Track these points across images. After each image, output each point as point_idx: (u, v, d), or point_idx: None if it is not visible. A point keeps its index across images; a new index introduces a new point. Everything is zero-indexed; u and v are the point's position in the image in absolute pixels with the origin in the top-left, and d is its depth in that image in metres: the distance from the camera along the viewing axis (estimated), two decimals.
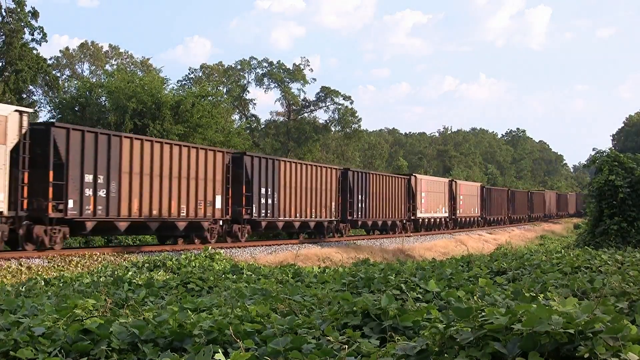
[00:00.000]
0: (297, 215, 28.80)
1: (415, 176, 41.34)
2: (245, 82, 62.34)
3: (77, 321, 4.89)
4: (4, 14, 38.29)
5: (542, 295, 5.51)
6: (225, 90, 57.49)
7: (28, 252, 17.79)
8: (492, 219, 56.35)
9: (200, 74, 59.44)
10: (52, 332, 4.48)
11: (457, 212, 47.46)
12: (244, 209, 25.58)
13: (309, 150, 58.68)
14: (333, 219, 31.61)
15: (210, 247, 17.63)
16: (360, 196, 33.26)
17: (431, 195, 42.67)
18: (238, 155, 26.16)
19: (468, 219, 50.57)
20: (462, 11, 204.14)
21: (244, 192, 25.60)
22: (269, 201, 26.82)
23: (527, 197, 69.99)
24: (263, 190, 26.43)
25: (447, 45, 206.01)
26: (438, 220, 44.60)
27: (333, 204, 31.48)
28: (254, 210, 25.79)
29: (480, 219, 53.14)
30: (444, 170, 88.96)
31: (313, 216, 29.92)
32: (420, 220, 41.39)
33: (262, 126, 63.89)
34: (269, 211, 26.84)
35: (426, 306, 4.97)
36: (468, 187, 51.27)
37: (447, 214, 45.85)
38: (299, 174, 29.00)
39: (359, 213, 33.23)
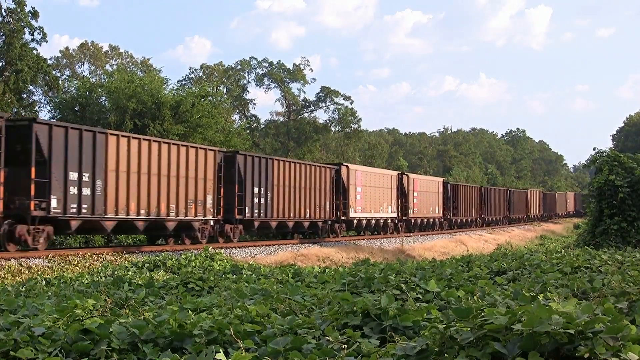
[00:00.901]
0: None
1: (347, 166, 33.60)
2: (245, 82, 62.43)
3: (77, 321, 4.89)
4: (4, 14, 38.29)
5: (542, 295, 5.51)
6: (225, 90, 57.52)
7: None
8: (458, 220, 48.46)
9: (201, 74, 59.47)
10: (52, 332, 4.48)
11: (410, 211, 39.84)
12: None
13: (309, 150, 58.68)
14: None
15: (210, 247, 17.64)
16: (258, 189, 26.24)
17: (372, 190, 35.46)
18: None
19: (425, 221, 43.39)
20: (463, 11, 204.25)
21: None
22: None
23: (505, 196, 61.12)
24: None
25: (447, 45, 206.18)
26: (382, 221, 36.94)
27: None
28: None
29: (442, 220, 45.79)
30: (444, 170, 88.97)
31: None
32: (356, 221, 33.99)
33: (262, 126, 63.91)
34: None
35: (426, 306, 4.97)
36: (425, 182, 43.80)
37: (394, 214, 38.36)
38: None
39: (255, 211, 26.03)
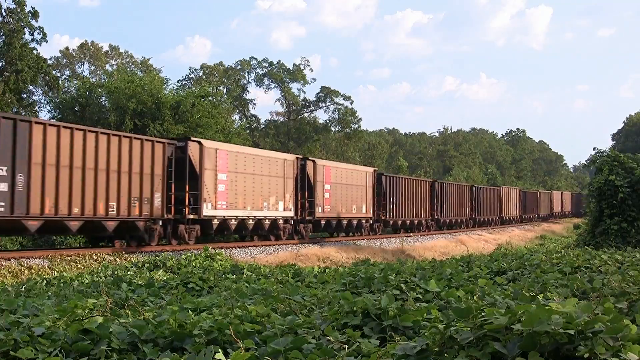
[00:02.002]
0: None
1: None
2: (245, 82, 62.45)
3: (77, 321, 4.89)
4: (4, 14, 38.29)
5: (542, 295, 5.51)
6: (225, 90, 57.54)
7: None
8: (401, 223, 39.12)
9: (201, 74, 59.47)
10: (52, 332, 4.48)
11: (318, 210, 30.07)
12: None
13: (308, 151, 58.68)
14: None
15: (210, 247, 17.65)
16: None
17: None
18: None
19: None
20: (463, 11, 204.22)
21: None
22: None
23: (470, 193, 50.20)
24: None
25: (447, 45, 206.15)
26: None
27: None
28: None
29: (373, 221, 35.73)
30: (444, 170, 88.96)
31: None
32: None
33: (262, 126, 63.94)
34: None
35: (426, 306, 4.97)
36: (344, 172, 33.13)
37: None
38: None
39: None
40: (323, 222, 30.43)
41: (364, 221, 34.43)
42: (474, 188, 51.80)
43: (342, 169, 33.19)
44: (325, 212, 30.51)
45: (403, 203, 38.94)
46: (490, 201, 54.72)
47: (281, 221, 27.56)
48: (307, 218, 29.31)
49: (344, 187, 32.37)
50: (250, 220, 25.58)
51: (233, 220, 24.65)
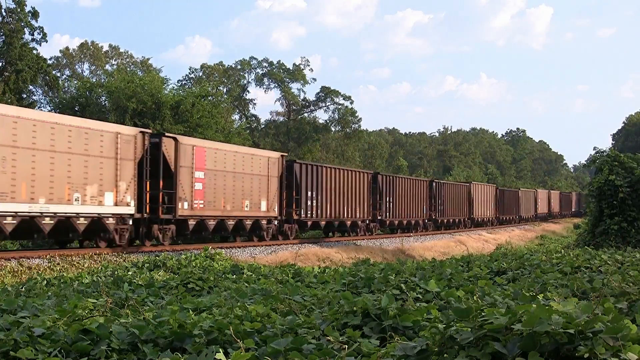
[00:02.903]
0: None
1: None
2: (245, 82, 62.44)
3: (77, 321, 4.89)
4: (4, 14, 38.30)
5: (542, 295, 5.51)
6: (225, 90, 57.54)
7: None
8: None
9: (201, 74, 59.47)
10: (52, 332, 4.48)
11: (181, 205, 22.31)
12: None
13: (308, 151, 58.71)
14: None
15: (210, 247, 17.66)
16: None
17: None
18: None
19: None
20: (463, 11, 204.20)
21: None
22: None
23: (429, 190, 42.06)
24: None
25: (448, 45, 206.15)
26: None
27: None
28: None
29: (280, 221, 27.75)
30: (444, 170, 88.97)
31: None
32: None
33: (262, 126, 63.95)
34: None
35: (426, 306, 4.97)
36: (230, 156, 25.13)
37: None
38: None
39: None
40: (192, 222, 22.76)
41: (264, 222, 26.41)
42: (433, 184, 43.15)
43: (228, 151, 24.93)
44: (196, 208, 22.71)
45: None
46: (457, 199, 46.11)
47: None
48: (164, 216, 21.82)
49: (230, 175, 24.52)
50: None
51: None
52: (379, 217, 35.79)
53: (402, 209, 38.22)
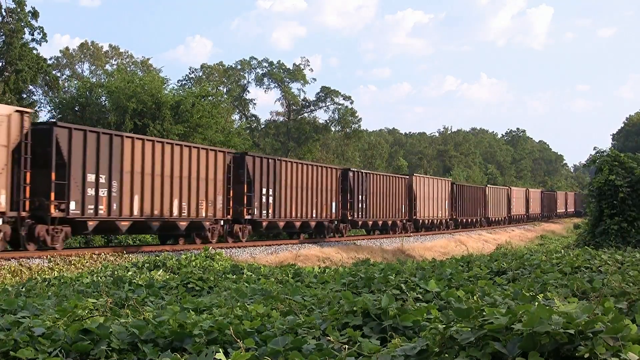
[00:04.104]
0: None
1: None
2: (245, 82, 62.46)
3: (77, 321, 4.89)
4: (4, 14, 38.30)
5: (542, 295, 5.51)
6: (225, 90, 57.53)
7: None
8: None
9: (201, 74, 59.48)
10: (52, 332, 4.48)
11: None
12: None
13: (308, 150, 58.69)
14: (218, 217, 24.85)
15: (210, 247, 17.65)
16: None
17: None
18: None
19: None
20: (464, 11, 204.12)
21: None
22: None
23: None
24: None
25: (448, 45, 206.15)
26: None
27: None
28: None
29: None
30: (444, 170, 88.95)
31: None
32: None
33: (262, 126, 63.94)
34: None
35: (426, 306, 4.97)
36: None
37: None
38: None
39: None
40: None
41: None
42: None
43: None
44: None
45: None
46: (391, 197, 37.47)
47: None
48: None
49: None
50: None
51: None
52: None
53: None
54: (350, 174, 32.10)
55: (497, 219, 56.18)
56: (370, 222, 34.63)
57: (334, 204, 31.76)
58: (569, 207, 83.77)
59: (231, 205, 25.05)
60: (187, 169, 22.84)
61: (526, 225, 60.34)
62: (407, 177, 40.57)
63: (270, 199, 26.70)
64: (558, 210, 77.93)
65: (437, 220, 43.78)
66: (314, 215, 29.92)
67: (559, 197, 79.79)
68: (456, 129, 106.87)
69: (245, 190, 25.37)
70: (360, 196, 32.91)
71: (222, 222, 24.73)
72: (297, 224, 28.90)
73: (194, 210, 23.13)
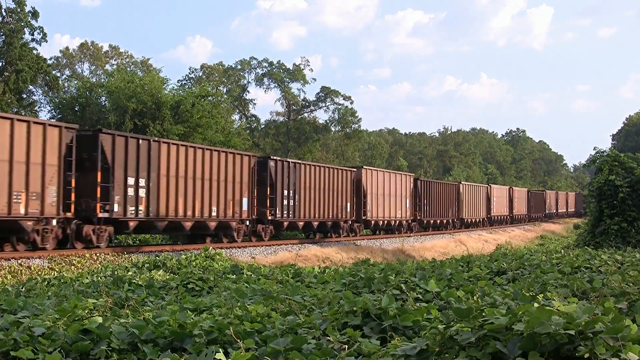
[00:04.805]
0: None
1: None
2: (245, 82, 62.46)
3: (77, 321, 4.89)
4: (4, 14, 38.30)
5: (542, 295, 5.51)
6: (225, 90, 57.54)
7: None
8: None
9: (201, 74, 59.49)
10: (52, 332, 4.48)
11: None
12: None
13: (309, 150, 58.70)
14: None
15: (210, 248, 17.67)
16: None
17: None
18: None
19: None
20: (464, 11, 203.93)
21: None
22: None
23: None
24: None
25: (448, 45, 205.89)
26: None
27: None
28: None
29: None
30: (444, 170, 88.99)
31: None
32: None
33: (262, 126, 63.94)
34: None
35: (426, 306, 4.97)
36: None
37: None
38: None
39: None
40: None
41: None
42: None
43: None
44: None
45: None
46: (333, 196, 31.56)
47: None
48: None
49: None
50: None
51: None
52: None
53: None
54: (271, 163, 26.88)
55: (473, 220, 50.12)
56: (301, 223, 28.90)
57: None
58: (560, 208, 78.23)
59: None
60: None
61: (526, 226, 60.15)
62: (355, 169, 34.10)
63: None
64: (547, 211, 72.19)
65: (394, 222, 37.21)
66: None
67: (548, 196, 73.55)
68: (456, 129, 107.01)
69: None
70: (285, 191, 27.48)
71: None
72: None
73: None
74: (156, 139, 22.50)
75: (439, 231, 42.72)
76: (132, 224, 20.68)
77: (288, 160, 28.56)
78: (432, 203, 42.19)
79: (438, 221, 43.80)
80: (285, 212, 27.24)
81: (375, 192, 34.76)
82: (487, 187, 54.85)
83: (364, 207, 33.62)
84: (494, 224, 54.25)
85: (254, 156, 26.59)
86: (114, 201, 19.76)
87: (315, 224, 29.71)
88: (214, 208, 23.72)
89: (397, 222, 37.67)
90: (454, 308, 4.05)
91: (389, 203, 36.12)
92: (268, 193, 26.48)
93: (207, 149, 24.09)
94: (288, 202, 27.42)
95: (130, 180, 20.35)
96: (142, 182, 20.76)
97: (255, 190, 26.14)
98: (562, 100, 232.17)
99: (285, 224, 27.81)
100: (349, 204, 32.01)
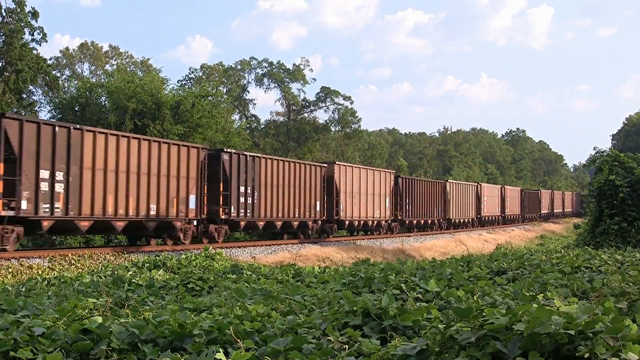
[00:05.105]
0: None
1: None
2: (245, 82, 62.47)
3: (77, 321, 4.89)
4: (4, 14, 38.30)
5: (542, 295, 5.51)
6: (225, 90, 57.55)
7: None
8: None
9: (201, 74, 59.51)
10: (52, 332, 4.48)
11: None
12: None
13: (308, 150, 58.71)
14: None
15: (210, 247, 17.67)
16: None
17: None
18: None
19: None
20: (464, 11, 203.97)
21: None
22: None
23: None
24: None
25: (448, 45, 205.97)
26: None
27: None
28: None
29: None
30: (444, 170, 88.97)
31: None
32: None
33: (262, 126, 63.95)
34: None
35: (426, 306, 4.97)
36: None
37: None
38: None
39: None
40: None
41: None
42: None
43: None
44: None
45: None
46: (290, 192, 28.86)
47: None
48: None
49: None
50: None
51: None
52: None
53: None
54: (225, 156, 24.19)
55: (461, 220, 47.69)
56: (262, 223, 26.35)
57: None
58: (556, 208, 75.82)
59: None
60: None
61: (526, 226, 60.12)
62: (326, 165, 31.23)
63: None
64: (543, 212, 69.71)
65: (372, 222, 34.93)
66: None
67: (543, 196, 70.74)
68: (456, 129, 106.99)
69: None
70: (242, 187, 24.90)
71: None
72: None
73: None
74: (78, 126, 19.36)
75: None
76: (46, 223, 17.76)
77: (245, 153, 25.64)
78: (415, 202, 39.80)
79: (422, 221, 41.28)
80: (242, 210, 24.58)
81: (350, 189, 32.37)
82: (476, 185, 52.24)
83: (337, 206, 31.07)
84: (485, 225, 51.84)
85: (204, 149, 23.83)
86: (22, 197, 16.93)
87: (279, 224, 26.99)
88: (153, 206, 21.10)
89: (375, 222, 35.25)
90: (454, 308, 4.05)
91: (366, 202, 33.78)
92: (221, 190, 23.69)
93: (144, 139, 21.18)
94: (246, 200, 24.77)
95: (44, 174, 17.56)
96: (59, 175, 17.94)
97: (205, 187, 23.37)
98: (562, 100, 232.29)
99: (243, 223, 25.15)
100: (318, 203, 29.35)
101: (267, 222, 26.41)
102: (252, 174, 25.27)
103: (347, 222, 32.35)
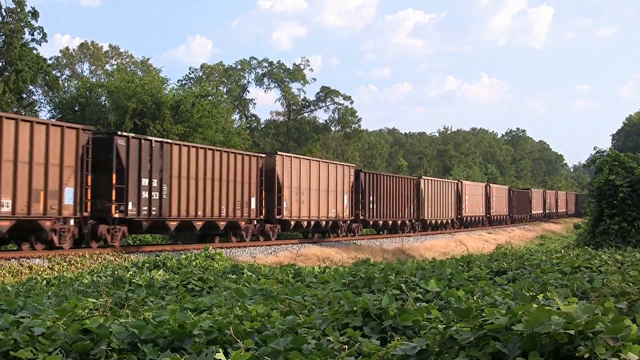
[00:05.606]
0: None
1: None
2: (245, 82, 62.46)
3: (77, 321, 4.89)
4: (4, 14, 38.30)
5: (542, 295, 5.51)
6: (225, 90, 57.54)
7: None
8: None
9: (201, 74, 59.50)
10: (52, 332, 4.48)
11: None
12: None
13: (309, 150, 58.68)
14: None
15: (210, 247, 17.69)
16: None
17: None
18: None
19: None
20: (464, 11, 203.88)
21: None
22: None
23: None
24: None
25: (448, 45, 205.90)
26: None
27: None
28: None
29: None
30: (444, 170, 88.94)
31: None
32: None
33: (262, 126, 63.96)
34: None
35: (426, 306, 4.97)
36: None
37: None
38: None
39: None
40: None
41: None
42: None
43: None
44: None
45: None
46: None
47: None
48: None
49: None
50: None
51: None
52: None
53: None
54: (119, 141, 20.34)
55: (438, 222, 43.14)
56: (173, 223, 22.39)
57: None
58: (549, 208, 71.73)
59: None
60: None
61: (526, 225, 60.10)
62: (264, 155, 27.23)
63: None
64: (533, 212, 65.65)
65: (325, 222, 30.64)
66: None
67: (534, 196, 66.67)
68: (456, 129, 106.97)
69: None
70: (145, 179, 21.07)
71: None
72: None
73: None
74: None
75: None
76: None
77: (150, 138, 21.64)
78: (381, 200, 35.13)
79: (390, 222, 36.58)
80: (145, 207, 20.66)
81: (297, 184, 28.00)
82: (457, 183, 47.49)
83: (279, 204, 26.79)
84: (469, 226, 47.84)
85: (86, 130, 19.65)
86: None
87: (199, 224, 23.12)
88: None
89: (331, 222, 31.01)
90: (454, 308, 4.05)
91: (317, 199, 29.40)
92: (114, 182, 19.80)
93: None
94: (150, 195, 20.84)
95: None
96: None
97: (89, 178, 19.24)
98: (562, 100, 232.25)
99: (146, 223, 21.27)
100: (254, 200, 25.39)
101: (182, 222, 22.50)
102: (160, 164, 21.45)
103: (292, 223, 28.10)
